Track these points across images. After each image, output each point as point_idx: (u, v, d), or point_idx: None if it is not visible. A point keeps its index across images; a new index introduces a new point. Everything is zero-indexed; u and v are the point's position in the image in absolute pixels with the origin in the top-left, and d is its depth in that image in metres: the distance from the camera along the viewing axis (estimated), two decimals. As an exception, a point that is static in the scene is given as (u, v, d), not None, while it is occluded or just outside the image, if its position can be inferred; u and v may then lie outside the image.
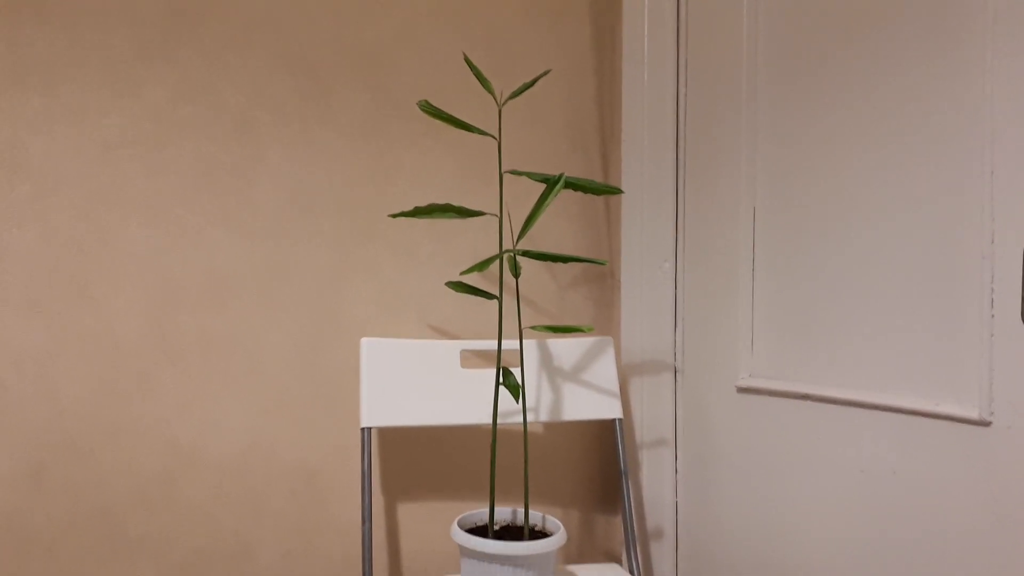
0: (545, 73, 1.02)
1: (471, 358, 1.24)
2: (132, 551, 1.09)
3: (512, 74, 1.28)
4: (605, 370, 1.21)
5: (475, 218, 1.25)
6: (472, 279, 1.26)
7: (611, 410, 1.19)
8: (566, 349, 1.21)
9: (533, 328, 1.01)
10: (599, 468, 1.35)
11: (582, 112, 1.32)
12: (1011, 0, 0.80)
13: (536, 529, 1.04)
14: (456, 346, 1.16)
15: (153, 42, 1.10)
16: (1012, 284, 0.81)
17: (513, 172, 1.00)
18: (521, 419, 1.14)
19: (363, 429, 1.08)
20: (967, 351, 0.85)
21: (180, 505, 1.11)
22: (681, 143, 1.25)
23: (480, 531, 1.00)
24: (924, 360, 0.90)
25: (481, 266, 0.97)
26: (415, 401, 1.12)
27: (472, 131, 0.97)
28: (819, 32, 1.02)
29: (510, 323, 1.24)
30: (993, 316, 0.82)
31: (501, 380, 0.97)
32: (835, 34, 1.00)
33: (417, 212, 0.98)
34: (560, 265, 1.31)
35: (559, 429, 1.31)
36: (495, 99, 1.06)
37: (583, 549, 1.34)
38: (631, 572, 1.15)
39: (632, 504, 1.23)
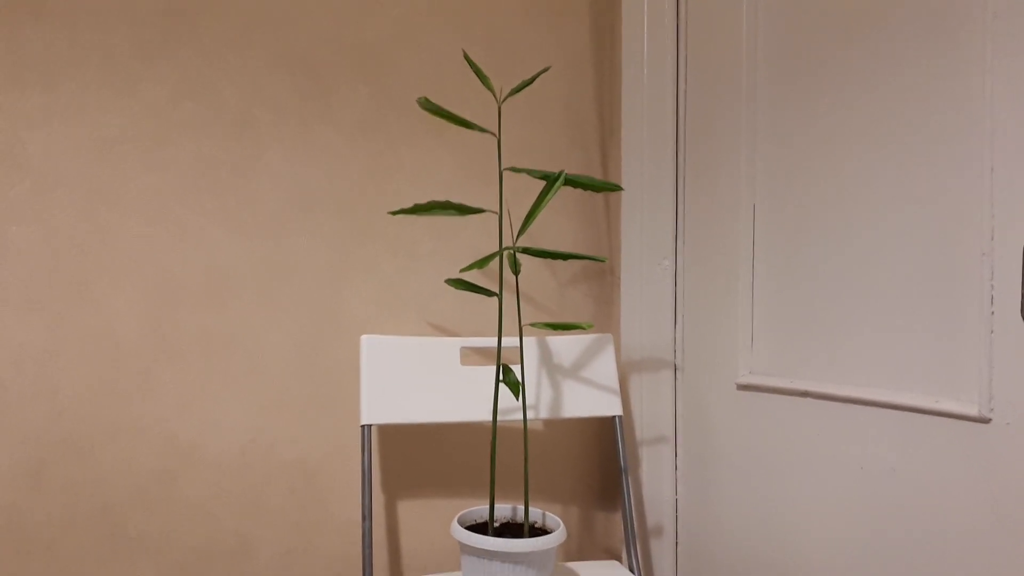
0: (545, 70, 1.02)
1: (471, 355, 1.24)
2: (132, 549, 1.09)
3: (512, 73, 1.28)
4: (605, 367, 1.21)
5: (475, 215, 1.25)
6: (472, 276, 1.26)
7: (611, 407, 1.20)
8: (566, 346, 1.21)
9: (533, 325, 1.01)
10: (599, 465, 1.35)
11: (582, 110, 1.32)
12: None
13: (536, 526, 1.04)
14: (456, 343, 1.17)
15: (153, 41, 1.10)
16: (1012, 281, 0.81)
17: (513, 169, 1.00)
18: (521, 416, 1.14)
19: (363, 426, 1.08)
20: (967, 348, 0.86)
21: (180, 503, 1.11)
22: (681, 141, 1.25)
23: (480, 528, 1.01)
24: (924, 357, 0.90)
25: (481, 263, 0.97)
26: (415, 398, 1.12)
27: (472, 128, 0.97)
28: (819, 31, 1.02)
29: (510, 320, 1.25)
30: (993, 313, 0.82)
31: (501, 377, 0.97)
32: (835, 33, 1.00)
33: (417, 209, 0.98)
34: (560, 262, 1.31)
35: (559, 426, 1.32)
36: (495, 96, 1.05)
37: (583, 546, 1.34)
38: (631, 569, 1.15)
39: (632, 501, 1.24)
